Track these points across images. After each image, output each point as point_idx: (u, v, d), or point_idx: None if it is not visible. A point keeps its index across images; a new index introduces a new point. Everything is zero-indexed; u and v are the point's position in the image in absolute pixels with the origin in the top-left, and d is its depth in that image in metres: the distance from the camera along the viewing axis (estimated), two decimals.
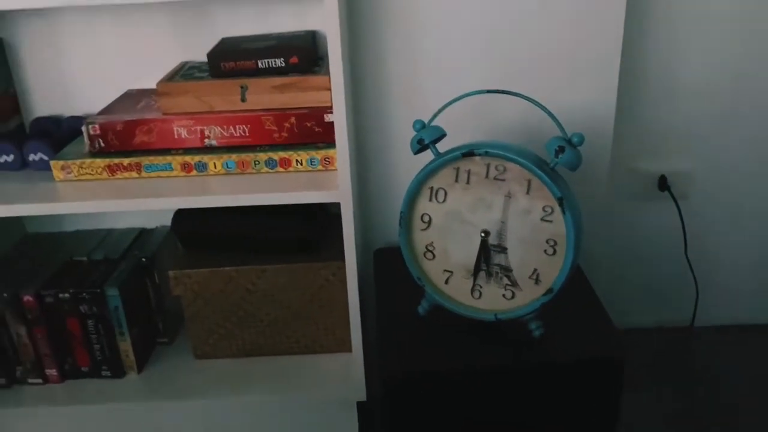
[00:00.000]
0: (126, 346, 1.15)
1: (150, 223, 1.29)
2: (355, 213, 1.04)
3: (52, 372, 1.15)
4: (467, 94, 0.89)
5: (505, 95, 1.12)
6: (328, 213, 1.18)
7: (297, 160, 1.04)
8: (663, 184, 1.31)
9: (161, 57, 1.16)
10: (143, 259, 1.18)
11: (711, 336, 1.41)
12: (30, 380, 1.16)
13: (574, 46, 1.12)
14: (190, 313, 1.15)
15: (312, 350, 1.19)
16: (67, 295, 1.10)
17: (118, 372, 1.16)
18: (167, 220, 1.28)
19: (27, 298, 1.10)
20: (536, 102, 0.87)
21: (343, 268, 1.05)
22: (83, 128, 1.04)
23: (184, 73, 1.09)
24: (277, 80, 1.03)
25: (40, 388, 1.15)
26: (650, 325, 1.44)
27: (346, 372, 1.14)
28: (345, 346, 1.17)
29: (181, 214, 1.15)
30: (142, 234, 1.26)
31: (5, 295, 1.10)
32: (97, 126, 1.03)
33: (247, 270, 1.13)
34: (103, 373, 1.16)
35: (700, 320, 1.42)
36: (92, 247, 1.22)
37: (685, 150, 1.30)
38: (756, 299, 1.42)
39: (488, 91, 0.86)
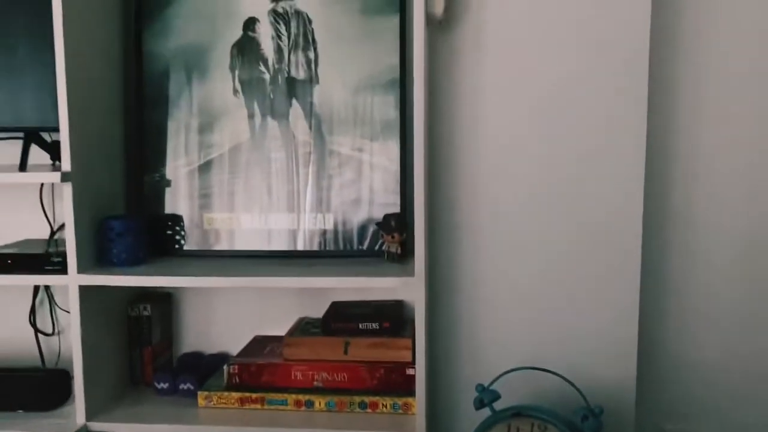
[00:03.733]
0: None
1: None
2: None
3: None
4: (517, 369, 1.21)
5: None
6: None
7: (383, 404, 1.34)
8: None
9: (284, 311, 1.53)
10: None
11: None
12: None
13: (595, 327, 1.44)
14: None
15: None
16: None
17: None
18: None
19: None
20: (568, 380, 1.18)
21: None
22: (225, 367, 1.38)
23: (302, 328, 1.45)
24: (373, 340, 1.37)
25: None
26: None
27: None
28: None
29: None
30: None
31: None
32: (236, 366, 1.38)
33: None
34: None
35: None
36: None
37: (702, 415, 1.53)
38: None
39: (532, 368, 1.18)
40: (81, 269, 1.28)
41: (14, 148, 1.46)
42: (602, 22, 1.38)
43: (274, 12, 1.42)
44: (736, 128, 1.47)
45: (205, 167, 1.45)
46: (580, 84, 1.40)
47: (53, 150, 1.44)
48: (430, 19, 1.28)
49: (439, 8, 1.28)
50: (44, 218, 1.53)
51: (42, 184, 1.52)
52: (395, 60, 1.39)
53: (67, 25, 1.22)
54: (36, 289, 1.54)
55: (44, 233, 1.53)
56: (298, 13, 1.42)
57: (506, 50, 1.41)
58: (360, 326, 1.39)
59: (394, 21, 1.39)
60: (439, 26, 1.39)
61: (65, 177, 1.24)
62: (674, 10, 1.45)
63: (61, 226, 1.53)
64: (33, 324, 1.54)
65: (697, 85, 1.47)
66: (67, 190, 1.25)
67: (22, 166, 1.33)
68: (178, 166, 1.45)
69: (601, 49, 1.39)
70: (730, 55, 1.45)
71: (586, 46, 1.39)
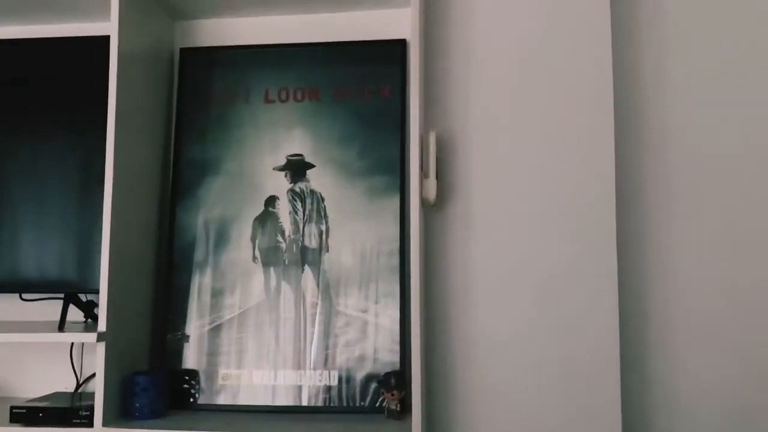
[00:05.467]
0: None
1: None
2: None
3: None
4: None
5: None
6: None
7: None
8: None
9: None
10: None
11: None
12: None
13: None
14: None
15: None
16: None
17: None
18: None
19: None
20: None
21: None
22: None
23: None
24: None
25: None
26: None
27: None
28: None
29: None
30: None
31: None
32: None
33: None
34: None
35: None
36: None
37: None
38: None
39: None
40: (106, 422, 1.39)
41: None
42: (573, 204, 1.59)
43: (292, 191, 1.64)
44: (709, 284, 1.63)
45: (221, 326, 1.60)
46: (552, 249, 1.59)
47: (87, 308, 1.60)
48: (424, 201, 1.49)
49: (431, 194, 1.49)
50: (71, 369, 1.66)
51: None
52: (395, 233, 1.59)
53: (114, 209, 1.43)
54: None
55: (70, 381, 1.66)
56: (312, 192, 1.64)
57: (489, 228, 1.62)
58: None
59: (395, 201, 1.60)
60: (433, 207, 1.60)
61: (100, 337, 1.39)
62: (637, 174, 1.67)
63: (88, 378, 1.65)
64: None
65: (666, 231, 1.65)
66: (101, 349, 1.40)
67: (61, 327, 1.49)
68: (197, 325, 1.60)
69: (571, 223, 1.59)
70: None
71: (554, 217, 1.60)
